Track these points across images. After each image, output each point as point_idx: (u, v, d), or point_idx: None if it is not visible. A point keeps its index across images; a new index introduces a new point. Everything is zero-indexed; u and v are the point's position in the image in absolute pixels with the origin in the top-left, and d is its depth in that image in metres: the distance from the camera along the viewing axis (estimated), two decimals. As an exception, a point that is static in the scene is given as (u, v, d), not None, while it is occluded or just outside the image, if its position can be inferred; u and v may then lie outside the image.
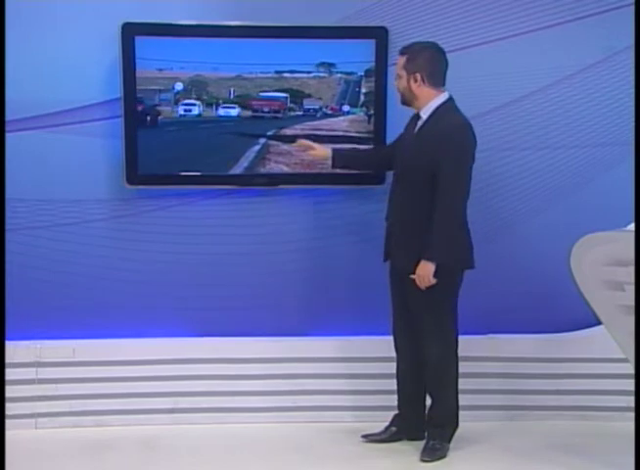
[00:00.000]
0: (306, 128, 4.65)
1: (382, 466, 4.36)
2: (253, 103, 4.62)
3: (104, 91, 4.58)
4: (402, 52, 4.29)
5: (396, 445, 4.53)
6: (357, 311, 4.87)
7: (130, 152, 4.57)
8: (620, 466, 4.17)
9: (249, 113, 4.62)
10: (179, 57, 4.53)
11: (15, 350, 4.60)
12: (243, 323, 4.83)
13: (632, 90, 4.71)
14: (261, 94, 4.61)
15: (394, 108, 4.50)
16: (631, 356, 3.79)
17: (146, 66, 4.52)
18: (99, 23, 4.49)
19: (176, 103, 4.58)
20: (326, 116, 4.68)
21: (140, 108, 4.55)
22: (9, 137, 4.46)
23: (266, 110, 4.63)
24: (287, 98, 4.63)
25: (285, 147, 4.68)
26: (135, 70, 4.50)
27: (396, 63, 4.33)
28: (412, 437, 4.53)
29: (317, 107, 4.67)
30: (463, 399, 4.47)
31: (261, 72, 4.59)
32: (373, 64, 4.63)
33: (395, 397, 4.55)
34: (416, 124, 4.31)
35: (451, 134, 4.19)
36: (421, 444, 4.44)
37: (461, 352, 4.42)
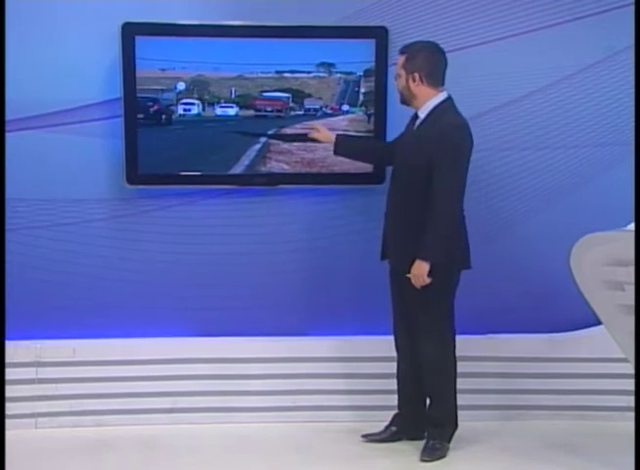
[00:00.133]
0: (307, 128, 4.65)
1: (382, 466, 4.36)
2: (257, 103, 4.63)
3: (104, 91, 4.58)
4: (402, 51, 4.29)
5: (396, 444, 4.53)
6: (357, 311, 4.87)
7: (130, 152, 4.58)
8: (620, 466, 4.17)
9: (249, 112, 4.63)
10: (179, 57, 4.54)
11: (15, 349, 4.61)
12: (242, 323, 4.83)
13: (632, 90, 4.71)
14: (264, 94, 4.62)
15: (395, 107, 4.51)
16: (631, 356, 3.78)
17: (146, 66, 4.52)
18: (99, 23, 4.49)
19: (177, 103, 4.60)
20: (326, 115, 4.69)
21: (156, 107, 4.56)
22: (9, 137, 4.46)
23: (269, 109, 4.65)
24: (289, 98, 4.64)
25: (285, 146, 4.70)
26: (135, 69, 4.51)
27: (396, 62, 4.33)
28: (412, 436, 4.54)
29: (317, 106, 4.68)
30: (462, 399, 4.47)
31: (262, 72, 4.60)
32: (373, 63, 4.64)
33: (395, 396, 4.55)
34: (414, 124, 4.32)
35: (448, 134, 4.18)
36: (421, 443, 4.44)
37: (460, 352, 4.42)
